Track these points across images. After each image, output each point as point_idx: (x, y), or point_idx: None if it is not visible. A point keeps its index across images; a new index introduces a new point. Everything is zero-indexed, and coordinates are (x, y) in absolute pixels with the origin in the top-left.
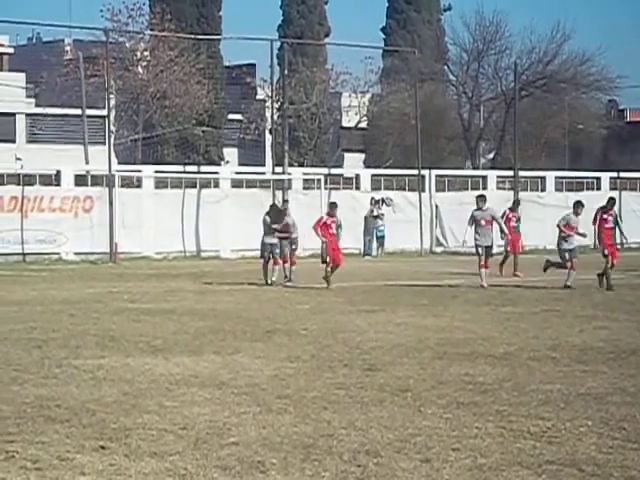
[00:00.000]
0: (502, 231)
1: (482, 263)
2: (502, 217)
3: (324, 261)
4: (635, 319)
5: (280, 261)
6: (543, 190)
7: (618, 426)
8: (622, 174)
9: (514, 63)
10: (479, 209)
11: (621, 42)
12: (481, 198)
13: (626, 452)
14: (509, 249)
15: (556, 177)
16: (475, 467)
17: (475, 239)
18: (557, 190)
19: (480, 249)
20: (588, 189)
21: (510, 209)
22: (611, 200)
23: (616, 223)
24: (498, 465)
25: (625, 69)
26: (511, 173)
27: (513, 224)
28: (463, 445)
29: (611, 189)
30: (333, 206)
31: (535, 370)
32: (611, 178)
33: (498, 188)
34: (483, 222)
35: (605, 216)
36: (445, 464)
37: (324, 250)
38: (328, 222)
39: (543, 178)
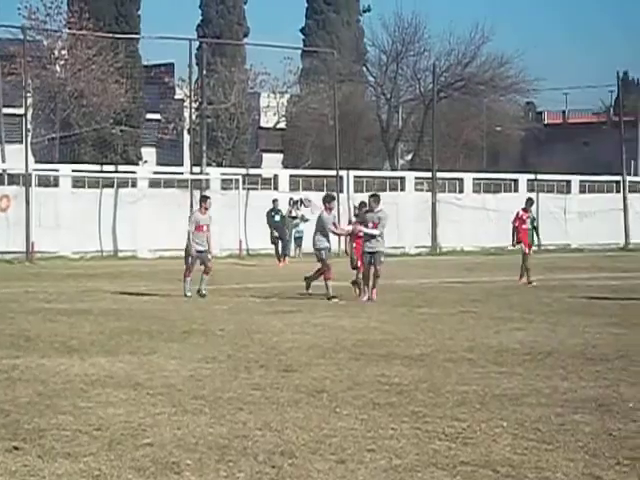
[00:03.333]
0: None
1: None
2: (515, 218)
3: (354, 267)
4: (551, 320)
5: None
6: (461, 192)
7: (533, 427)
8: (539, 176)
9: (433, 65)
10: (370, 210)
11: (539, 44)
12: (374, 198)
13: (540, 453)
14: (526, 252)
15: (474, 179)
16: (390, 468)
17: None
18: (475, 192)
19: (366, 256)
20: (506, 191)
21: (523, 209)
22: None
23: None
24: (413, 466)
25: (543, 71)
26: (429, 174)
27: (527, 226)
28: (378, 446)
29: (528, 191)
30: (362, 205)
31: (451, 371)
32: (529, 180)
33: (416, 189)
34: (370, 224)
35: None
36: (360, 465)
37: (353, 253)
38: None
39: (461, 180)
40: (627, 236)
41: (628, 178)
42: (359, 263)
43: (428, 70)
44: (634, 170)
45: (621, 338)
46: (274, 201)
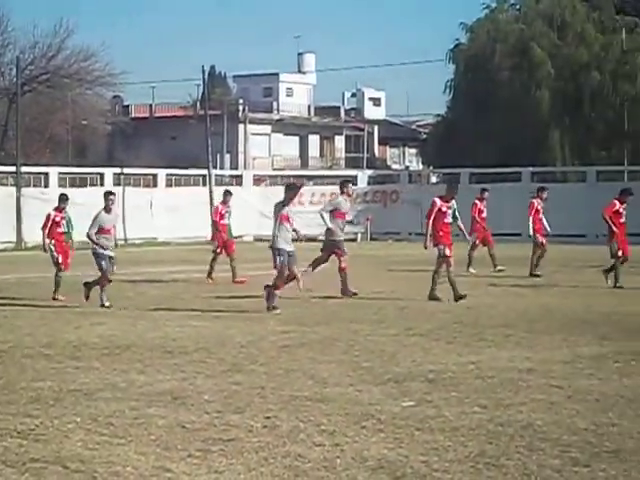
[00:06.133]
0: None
1: None
2: (215, 212)
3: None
4: (133, 314)
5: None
6: (47, 186)
7: (106, 422)
8: (126, 170)
9: (17, 58)
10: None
11: (124, 38)
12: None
13: (112, 448)
14: (218, 251)
15: (60, 173)
16: None
17: None
18: (61, 186)
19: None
20: (92, 185)
21: (222, 202)
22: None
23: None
24: None
25: (129, 65)
26: (14, 169)
27: (226, 221)
28: None
29: (115, 185)
30: (63, 198)
31: (27, 367)
32: (115, 174)
33: (1, 184)
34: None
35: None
36: None
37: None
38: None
39: (47, 174)
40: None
41: (215, 172)
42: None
43: (12, 63)
44: (221, 164)
45: (201, 330)
46: None
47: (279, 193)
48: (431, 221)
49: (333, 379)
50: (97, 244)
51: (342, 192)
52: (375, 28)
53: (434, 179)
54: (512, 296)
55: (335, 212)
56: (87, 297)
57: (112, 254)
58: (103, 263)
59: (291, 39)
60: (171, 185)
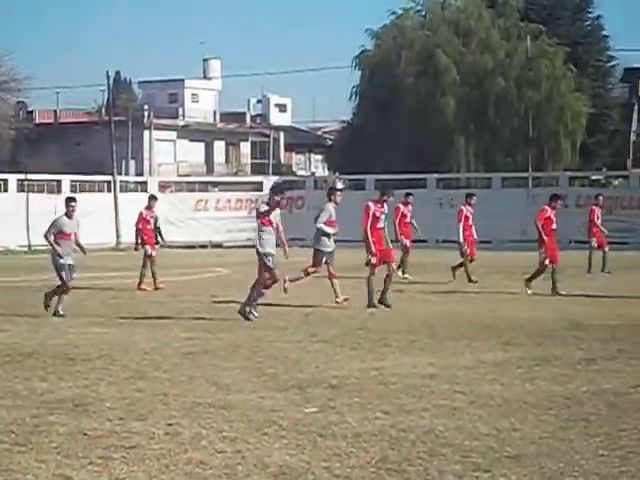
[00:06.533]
0: None
1: None
2: (139, 220)
3: None
4: (35, 322)
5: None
6: None
7: (7, 430)
8: (30, 176)
9: None
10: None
11: (28, 43)
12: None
13: (12, 455)
14: (152, 254)
15: None
16: None
17: None
18: None
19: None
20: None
21: (147, 208)
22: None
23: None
24: None
25: (33, 70)
26: None
27: (151, 227)
28: None
29: (18, 191)
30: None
31: None
32: (18, 180)
33: None
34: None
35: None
36: None
37: None
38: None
39: None
40: (118, 235)
41: (119, 178)
42: None
43: None
44: (126, 170)
45: (104, 337)
46: None
47: (185, 199)
48: (369, 227)
49: (236, 386)
50: (54, 247)
51: (330, 200)
52: (281, 33)
53: (340, 185)
54: (417, 302)
55: (326, 222)
56: (47, 306)
57: (72, 262)
58: (63, 274)
59: (196, 45)
60: (75, 191)
